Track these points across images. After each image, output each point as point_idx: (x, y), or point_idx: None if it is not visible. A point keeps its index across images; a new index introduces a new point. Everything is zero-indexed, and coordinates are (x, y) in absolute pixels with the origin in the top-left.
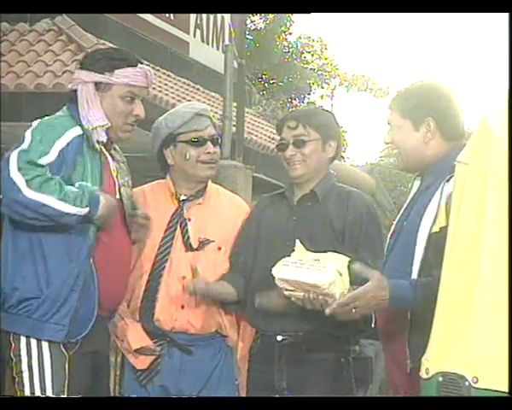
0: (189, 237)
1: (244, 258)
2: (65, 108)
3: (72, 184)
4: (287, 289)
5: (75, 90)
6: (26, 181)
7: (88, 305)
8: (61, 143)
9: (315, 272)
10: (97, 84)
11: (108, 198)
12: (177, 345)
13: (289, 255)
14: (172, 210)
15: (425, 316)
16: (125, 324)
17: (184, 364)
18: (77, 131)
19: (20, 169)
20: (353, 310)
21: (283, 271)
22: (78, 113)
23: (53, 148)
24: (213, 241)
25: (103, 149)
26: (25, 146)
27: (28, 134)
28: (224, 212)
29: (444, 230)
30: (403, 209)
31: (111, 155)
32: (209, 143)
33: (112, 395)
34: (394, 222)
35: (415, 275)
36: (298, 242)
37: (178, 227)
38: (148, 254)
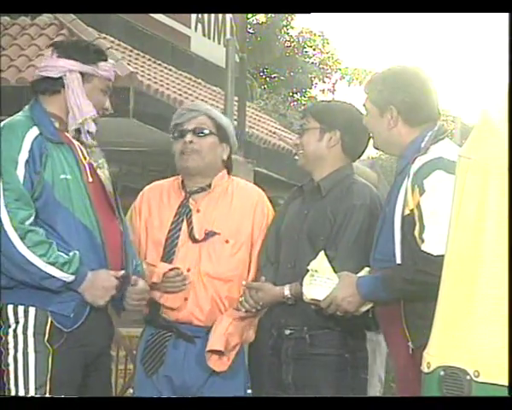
0: (192, 229)
1: (269, 252)
2: (26, 107)
3: (47, 182)
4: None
5: (47, 79)
6: (20, 237)
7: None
8: (23, 156)
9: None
10: (83, 75)
11: (100, 277)
12: (182, 335)
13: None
14: (179, 202)
15: (415, 300)
16: (149, 266)
17: (189, 355)
18: (34, 132)
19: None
20: (337, 312)
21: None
22: (41, 110)
23: (18, 165)
24: (219, 233)
25: (71, 138)
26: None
27: None
28: (234, 204)
29: (413, 212)
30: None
31: (80, 142)
32: (188, 134)
33: (113, 389)
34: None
35: (398, 260)
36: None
37: (185, 219)
38: (156, 245)
